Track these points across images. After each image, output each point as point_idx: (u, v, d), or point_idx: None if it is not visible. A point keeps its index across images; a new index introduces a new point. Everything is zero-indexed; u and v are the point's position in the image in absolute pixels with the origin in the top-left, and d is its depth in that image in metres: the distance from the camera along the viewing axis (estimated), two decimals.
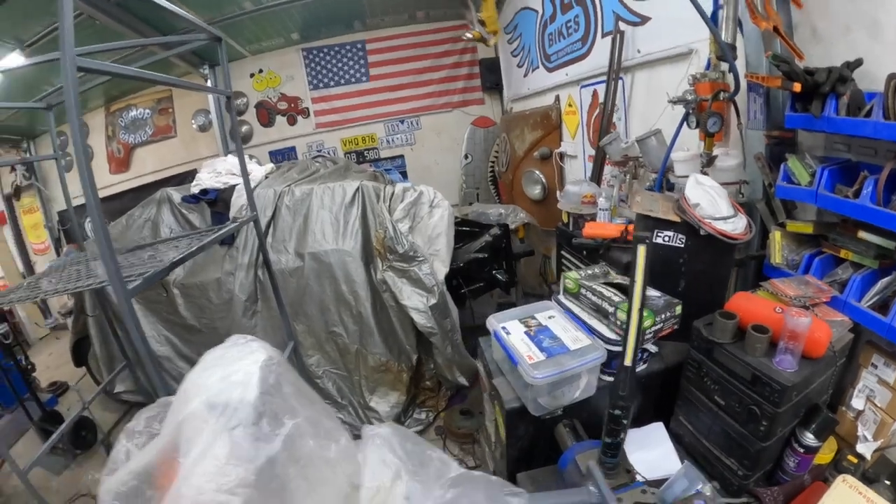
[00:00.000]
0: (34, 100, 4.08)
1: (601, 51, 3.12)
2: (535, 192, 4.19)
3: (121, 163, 5.93)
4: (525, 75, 4.51)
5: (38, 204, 6.13)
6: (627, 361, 1.19)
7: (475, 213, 3.91)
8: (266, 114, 5.66)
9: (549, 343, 1.59)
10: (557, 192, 3.99)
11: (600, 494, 1.10)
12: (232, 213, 3.24)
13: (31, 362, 5.21)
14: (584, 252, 2.51)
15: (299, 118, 5.61)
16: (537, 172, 4.15)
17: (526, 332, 1.66)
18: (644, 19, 2.74)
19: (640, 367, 1.73)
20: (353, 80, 5.43)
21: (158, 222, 3.44)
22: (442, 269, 3.11)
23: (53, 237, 6.19)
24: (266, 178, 3.64)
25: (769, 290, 1.67)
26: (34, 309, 5.59)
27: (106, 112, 5.84)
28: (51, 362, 5.49)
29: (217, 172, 3.51)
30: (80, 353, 4.61)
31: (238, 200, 3.26)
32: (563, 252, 2.97)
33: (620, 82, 2.95)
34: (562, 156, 3.90)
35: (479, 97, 5.46)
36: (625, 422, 1.24)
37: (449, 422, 3.29)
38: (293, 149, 5.62)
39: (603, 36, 3.11)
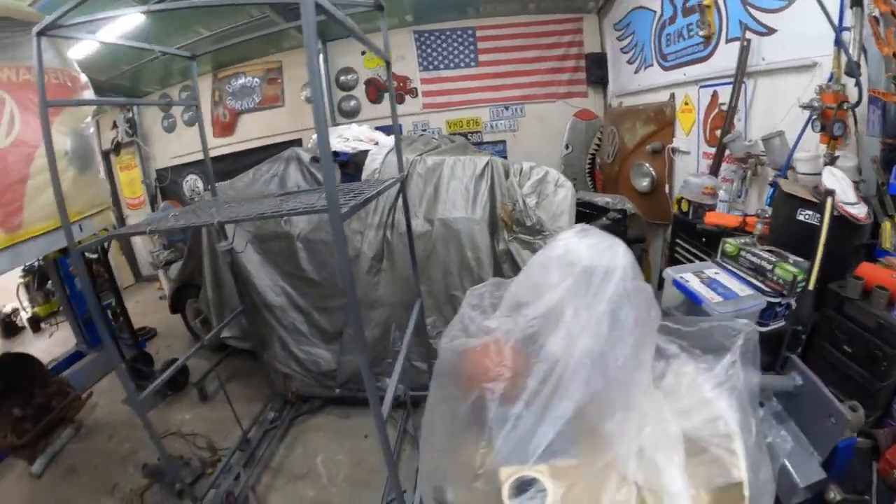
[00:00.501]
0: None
1: (723, 55, 3.90)
2: (643, 184, 4.96)
3: (225, 127, 7.03)
4: (636, 72, 5.34)
5: (136, 160, 7.42)
6: (810, 286, 2.01)
7: (583, 201, 4.71)
8: (375, 91, 6.67)
9: (723, 290, 2.42)
10: (666, 186, 4.76)
11: (807, 376, 1.71)
12: (364, 176, 4.14)
13: (122, 306, 6.39)
14: (704, 238, 3.28)
15: (407, 97, 6.59)
16: (647, 165, 4.93)
17: (701, 282, 2.50)
18: (770, 31, 3.54)
19: (775, 325, 2.45)
20: (462, 64, 6.40)
21: (285, 178, 4.30)
22: None
23: (150, 193, 7.47)
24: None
25: (885, 263, 2.49)
26: (121, 259, 6.77)
27: (213, 78, 6.95)
28: (137, 310, 6.50)
29: (344, 138, 4.47)
30: (178, 301, 5.68)
31: (371, 164, 4.16)
32: (677, 239, 3.69)
33: (743, 86, 3.74)
34: (674, 150, 4.66)
35: (583, 90, 6.38)
36: (803, 336, 2.01)
37: None
38: (399, 126, 6.51)
39: (727, 41, 3.91)
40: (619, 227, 4.19)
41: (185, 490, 3.72)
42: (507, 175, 4.04)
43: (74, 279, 5.86)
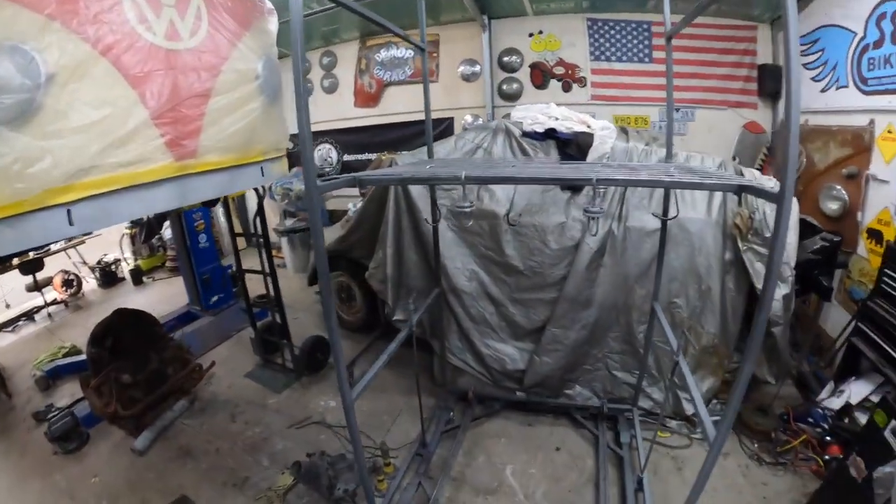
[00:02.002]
0: None
1: None
2: (833, 207, 4.45)
3: (369, 97, 6.48)
4: (823, 90, 4.85)
5: None
6: None
7: None
8: (540, 75, 6.09)
9: None
10: (858, 214, 4.27)
11: None
12: (589, 159, 3.61)
13: (242, 270, 5.80)
14: None
15: (574, 86, 6.04)
16: (839, 188, 4.40)
17: None
18: None
19: None
20: (635, 58, 5.83)
21: (491, 149, 3.76)
22: (790, 263, 3.36)
23: None
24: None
25: None
26: (235, 220, 6.24)
27: (361, 45, 6.40)
28: (252, 276, 6.06)
29: (552, 117, 3.90)
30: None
31: (601, 147, 3.57)
32: (886, 269, 3.21)
33: None
34: (869, 178, 4.16)
35: (754, 101, 5.78)
36: None
37: (746, 417, 3.52)
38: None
39: None
40: (833, 249, 3.67)
41: (345, 498, 3.10)
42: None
43: (198, 235, 5.31)
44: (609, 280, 3.47)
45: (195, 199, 2.56)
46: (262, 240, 4.09)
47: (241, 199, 4.47)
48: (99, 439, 3.72)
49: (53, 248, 5.82)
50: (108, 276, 6.29)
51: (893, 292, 3.06)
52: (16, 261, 4.20)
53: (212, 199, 3.58)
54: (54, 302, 5.62)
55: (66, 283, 5.78)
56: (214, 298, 5.41)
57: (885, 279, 3.17)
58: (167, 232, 6.77)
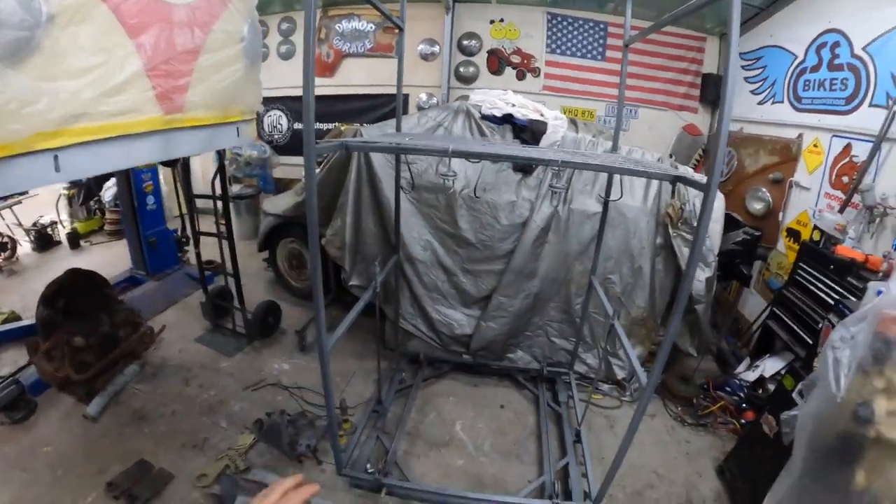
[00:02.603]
0: None
1: (864, 116, 3.90)
2: (757, 207, 4.97)
3: (326, 67, 6.40)
4: (760, 103, 5.39)
5: None
6: None
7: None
8: (496, 61, 6.26)
9: None
10: (780, 215, 4.83)
11: None
12: (542, 146, 3.84)
13: (185, 235, 5.60)
14: (832, 266, 3.32)
15: (529, 76, 6.25)
16: (765, 191, 4.95)
17: None
18: None
19: None
20: (589, 55, 6.13)
21: (451, 128, 3.96)
22: (713, 251, 3.80)
23: None
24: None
25: None
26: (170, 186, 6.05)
27: (323, 14, 6.29)
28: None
29: (510, 104, 4.14)
30: (271, 239, 5.08)
31: (552, 135, 3.81)
32: (802, 263, 3.69)
33: (879, 149, 3.78)
34: (793, 184, 4.72)
35: (695, 106, 6.26)
36: None
37: (670, 384, 3.99)
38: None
39: (870, 106, 3.92)
40: (754, 242, 4.16)
41: (307, 453, 3.25)
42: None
43: (146, 196, 5.19)
44: (552, 255, 3.77)
45: (178, 153, 2.58)
46: (221, 202, 4.08)
47: (185, 163, 4.38)
48: (48, 407, 3.55)
49: None
50: (43, 239, 5.94)
51: (805, 283, 3.50)
52: None
53: (188, 155, 3.56)
54: None
55: (0, 247, 5.47)
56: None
57: (800, 271, 3.60)
58: (107, 194, 6.52)
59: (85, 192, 6.50)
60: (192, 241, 4.52)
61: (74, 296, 3.79)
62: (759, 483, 1.92)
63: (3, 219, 5.62)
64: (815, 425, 1.50)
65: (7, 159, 1.63)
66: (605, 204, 3.30)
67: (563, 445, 3.42)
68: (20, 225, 5.88)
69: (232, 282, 4.36)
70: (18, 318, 4.41)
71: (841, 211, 3.92)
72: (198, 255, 4.46)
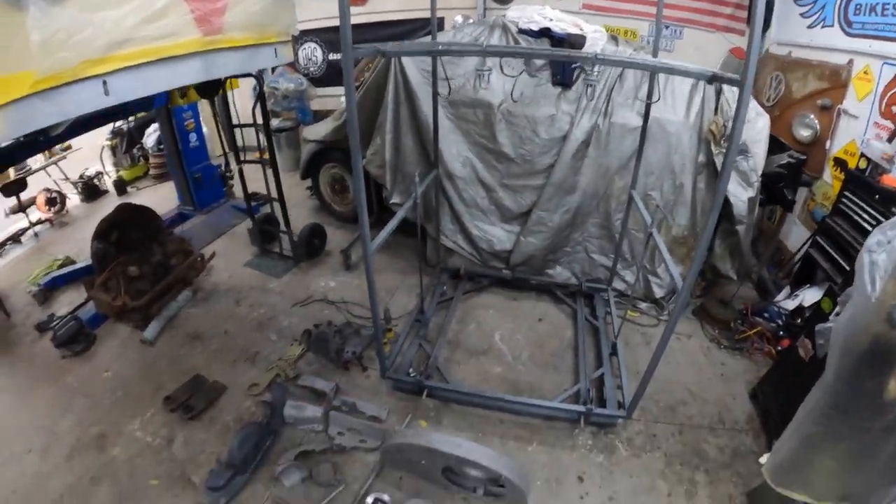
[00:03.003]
0: None
1: None
2: (805, 134, 4.79)
3: None
4: (809, 27, 5.17)
5: None
6: None
7: None
8: None
9: None
10: (827, 143, 4.69)
11: None
12: None
13: (229, 170, 5.74)
14: (878, 195, 3.22)
15: None
16: (812, 118, 4.79)
17: None
18: None
19: None
20: None
21: (486, 43, 3.82)
22: (757, 171, 3.72)
23: None
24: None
25: None
26: (212, 126, 6.19)
27: None
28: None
29: (547, 18, 4.08)
30: (313, 165, 5.16)
31: (591, 48, 3.81)
32: (846, 192, 3.58)
33: None
34: (841, 112, 4.56)
35: (742, 28, 5.89)
36: None
37: (709, 307, 3.96)
38: None
39: None
40: (798, 166, 4.04)
41: (352, 360, 3.39)
42: (719, 91, 3.79)
43: (189, 134, 5.35)
44: (592, 170, 3.73)
45: (219, 73, 2.67)
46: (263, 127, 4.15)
47: (224, 103, 4.48)
48: (106, 338, 3.74)
49: (34, 166, 5.72)
50: (90, 189, 6.13)
51: (849, 212, 3.40)
52: None
53: (229, 75, 3.66)
54: (39, 222, 5.50)
55: (50, 202, 5.63)
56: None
57: (844, 200, 3.49)
58: (149, 140, 6.72)
59: (127, 140, 6.68)
60: (235, 173, 4.67)
61: (126, 229, 4.01)
62: (792, 407, 1.89)
63: (50, 175, 5.82)
64: (848, 330, 1.46)
65: (60, 87, 1.75)
66: (647, 110, 3.23)
67: (600, 357, 3.46)
68: (67, 179, 6.11)
69: (277, 208, 4.47)
70: (73, 263, 4.60)
71: (889, 140, 3.76)
72: (243, 183, 4.55)
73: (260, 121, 4.14)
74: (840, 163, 4.28)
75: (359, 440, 2.89)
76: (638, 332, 3.83)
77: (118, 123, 6.58)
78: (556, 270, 4.18)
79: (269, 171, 4.27)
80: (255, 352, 3.57)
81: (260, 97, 4.10)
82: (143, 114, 6.44)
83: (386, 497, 2.59)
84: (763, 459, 2.02)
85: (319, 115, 6.09)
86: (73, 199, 6.18)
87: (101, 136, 6.66)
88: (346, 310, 3.97)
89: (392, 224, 2.92)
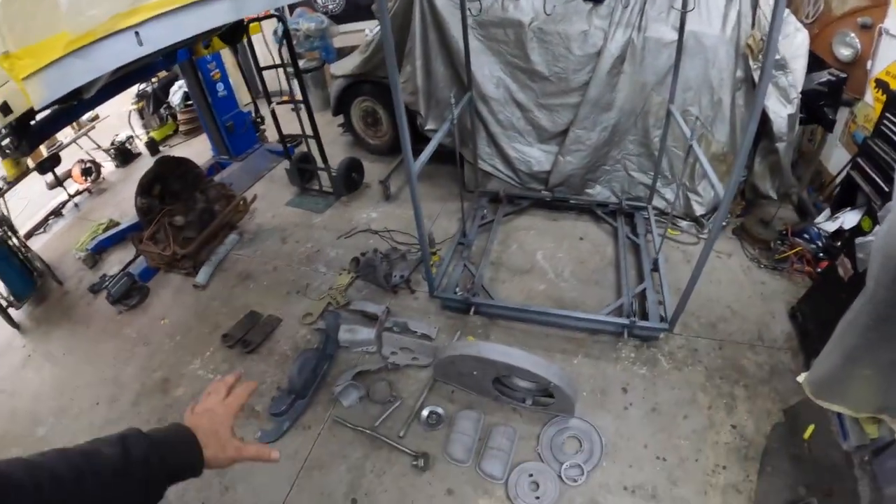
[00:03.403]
0: None
1: None
2: (846, 53, 4.61)
3: None
4: None
5: None
6: None
7: None
8: None
9: None
10: (868, 63, 4.56)
11: None
12: None
13: (259, 116, 5.75)
14: None
15: None
16: (854, 36, 4.63)
17: None
18: None
19: None
20: None
21: None
22: (796, 87, 3.65)
23: None
24: None
25: None
26: (238, 77, 6.19)
27: None
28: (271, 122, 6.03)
29: None
30: (344, 101, 5.15)
31: None
32: (888, 113, 3.46)
33: None
34: (883, 31, 4.40)
35: None
36: None
37: (749, 226, 3.92)
38: None
39: None
40: (839, 85, 3.95)
41: (401, 283, 3.47)
42: (756, 5, 3.70)
43: (216, 84, 5.39)
44: (628, 86, 3.67)
45: (249, 10, 2.66)
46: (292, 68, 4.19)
47: (250, 47, 4.50)
48: (159, 289, 3.88)
49: (65, 140, 5.81)
50: (124, 154, 6.22)
51: (891, 134, 3.28)
52: (31, 163, 4.19)
53: (260, 11, 3.67)
54: (77, 193, 5.60)
55: (85, 172, 5.73)
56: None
57: (886, 122, 3.37)
58: (175, 98, 6.80)
59: (154, 100, 6.76)
60: (268, 116, 4.70)
61: (167, 181, 4.14)
62: (830, 326, 1.91)
63: (82, 147, 5.89)
64: (889, 237, 1.45)
65: (95, 44, 1.80)
66: (682, 21, 3.14)
67: (641, 274, 3.49)
68: (99, 147, 6.19)
69: (313, 146, 4.53)
70: (117, 224, 4.72)
71: None
72: (276, 125, 4.59)
73: (288, 60, 4.17)
74: (882, 84, 4.09)
75: (411, 358, 2.99)
76: (678, 250, 3.84)
77: (142, 86, 6.66)
78: (595, 190, 4.17)
79: (303, 111, 4.30)
80: (306, 284, 3.68)
81: (286, 35, 4.12)
82: (164, 73, 6.53)
83: (440, 410, 2.71)
84: (801, 378, 2.07)
85: (343, 53, 6.07)
86: (108, 167, 6.30)
87: (126, 103, 6.73)
88: (389, 238, 4.05)
89: (432, 145, 2.93)
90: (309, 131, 4.37)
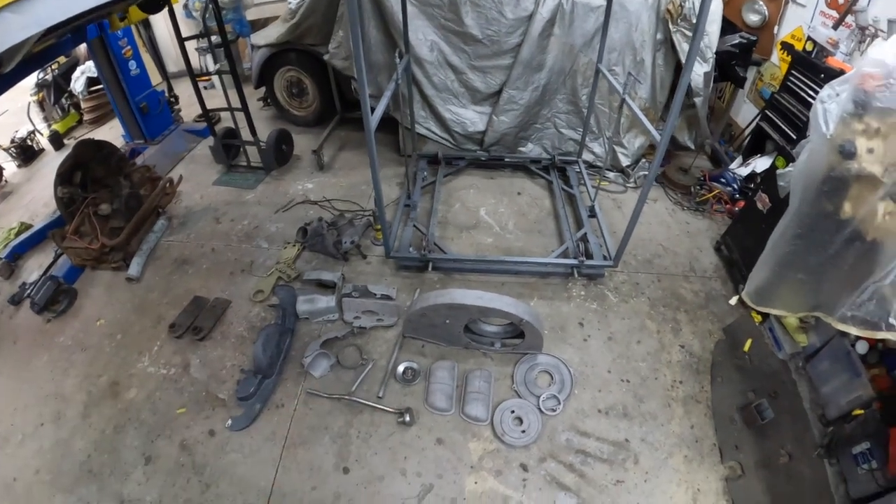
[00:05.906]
0: None
1: None
2: (754, 19, 4.94)
3: None
4: None
5: None
6: None
7: None
8: None
9: None
10: (775, 28, 5.01)
11: None
12: None
13: (173, 95, 5.47)
14: (823, 75, 3.48)
15: None
16: (761, 3, 5.06)
17: None
18: None
19: None
20: None
21: None
22: (711, 48, 3.94)
23: None
24: None
25: None
26: (146, 57, 5.79)
27: None
28: (185, 101, 5.76)
29: None
30: (267, 72, 4.98)
31: None
32: (793, 71, 3.83)
33: None
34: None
35: None
36: None
37: (670, 174, 4.20)
38: None
39: None
40: (749, 46, 4.29)
41: (351, 249, 3.41)
42: None
43: (127, 62, 5.04)
44: (558, 47, 3.77)
45: None
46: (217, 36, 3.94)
47: (149, 30, 4.22)
48: (88, 289, 3.46)
49: None
50: (26, 152, 5.50)
51: (796, 89, 3.66)
52: None
53: None
54: None
55: None
56: None
57: (791, 78, 3.73)
58: (77, 85, 6.23)
59: (54, 90, 6.19)
60: (193, 89, 4.44)
61: (89, 166, 3.71)
62: (753, 254, 2.18)
63: None
64: (808, 164, 1.70)
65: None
66: None
67: (579, 220, 3.64)
68: None
69: (240, 120, 4.29)
70: (30, 227, 4.17)
71: (835, 28, 3.99)
72: (200, 100, 4.31)
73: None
74: (787, 46, 4.48)
75: (376, 319, 2.94)
76: (609, 199, 4.02)
77: (41, 74, 6.07)
78: (528, 147, 4.28)
79: (229, 82, 4.09)
80: (250, 261, 3.49)
81: (214, 3, 3.95)
82: (64, 59, 6.01)
83: (415, 364, 2.70)
84: (733, 301, 2.35)
85: (258, 25, 5.85)
86: (10, 167, 5.65)
87: (24, 94, 6.06)
88: (330, 208, 3.94)
89: (383, 102, 2.91)
90: (236, 104, 4.17)
